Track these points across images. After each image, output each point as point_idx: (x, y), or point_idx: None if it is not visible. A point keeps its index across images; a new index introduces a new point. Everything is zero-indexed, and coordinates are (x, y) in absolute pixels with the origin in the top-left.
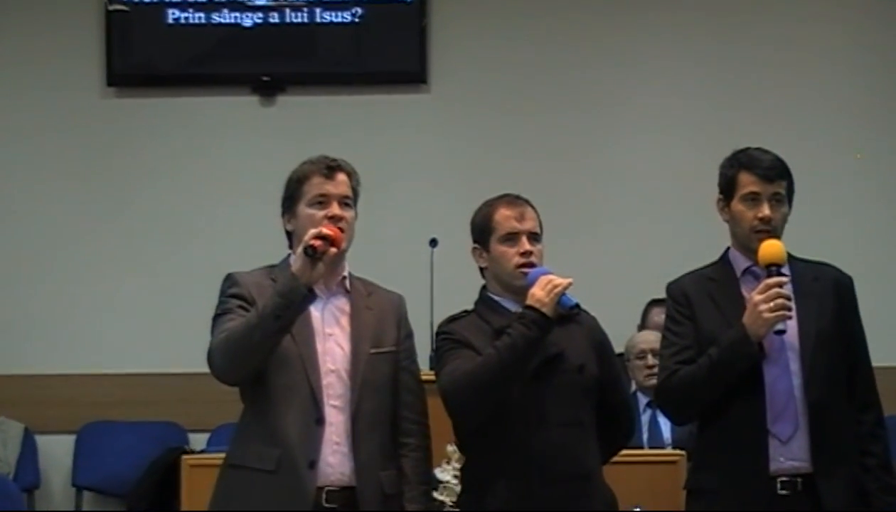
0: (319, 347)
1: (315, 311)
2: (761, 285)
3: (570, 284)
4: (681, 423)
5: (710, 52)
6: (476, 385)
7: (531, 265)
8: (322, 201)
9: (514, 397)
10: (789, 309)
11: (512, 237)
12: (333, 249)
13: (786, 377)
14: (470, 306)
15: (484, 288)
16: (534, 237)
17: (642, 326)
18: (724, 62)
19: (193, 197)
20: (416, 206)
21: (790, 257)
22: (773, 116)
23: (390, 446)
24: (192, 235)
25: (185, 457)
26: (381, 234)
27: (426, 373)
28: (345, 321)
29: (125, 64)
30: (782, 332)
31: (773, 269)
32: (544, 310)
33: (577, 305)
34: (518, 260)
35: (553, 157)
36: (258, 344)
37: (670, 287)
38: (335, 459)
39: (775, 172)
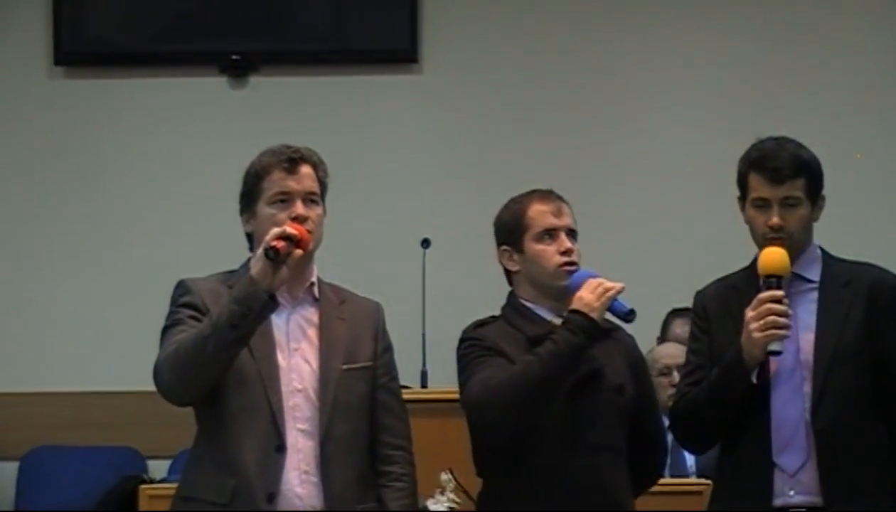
0: (283, 363)
1: (279, 322)
2: (755, 301)
3: (622, 288)
4: (694, 452)
5: (745, 22)
6: (515, 396)
7: (573, 264)
8: (284, 199)
9: (547, 417)
10: (784, 327)
11: (550, 234)
12: (299, 251)
13: (796, 402)
14: (465, 316)
15: (512, 294)
16: (572, 234)
17: (663, 338)
18: (761, 35)
19: (153, 191)
20: (405, 202)
21: (826, 258)
22: (816, 95)
23: (369, 475)
24: (152, 235)
25: (142, 486)
26: (366, 233)
27: (416, 391)
28: (313, 333)
29: (75, 40)
30: (777, 353)
31: (771, 281)
32: (593, 315)
33: (633, 312)
34: (559, 259)
35: (561, 146)
36: (211, 358)
37: (695, 297)
38: (304, 490)
39: (788, 173)
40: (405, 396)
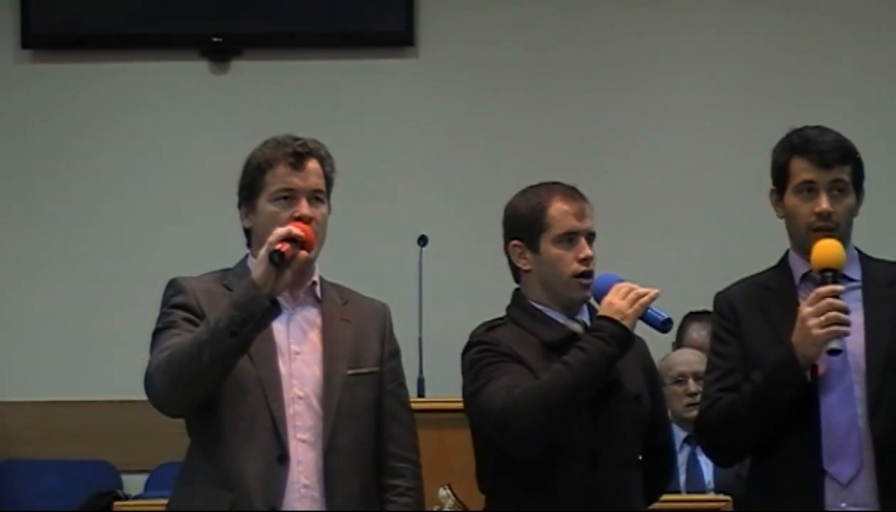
0: (284, 368)
1: (279, 325)
2: (811, 295)
3: (657, 295)
4: (725, 464)
5: (762, 20)
6: (545, 406)
7: (590, 274)
8: (288, 196)
9: (568, 429)
10: (846, 323)
11: (571, 238)
12: (304, 254)
13: (847, 406)
14: (465, 319)
15: (519, 293)
16: (591, 239)
17: (678, 344)
18: (781, 29)
19: (129, 184)
20: (400, 196)
21: (862, 257)
22: (838, 93)
23: (373, 489)
24: (129, 231)
25: (117, 503)
26: (358, 229)
27: (413, 400)
28: (315, 337)
29: (44, 22)
30: (837, 352)
31: (827, 274)
32: (625, 323)
33: (670, 320)
34: (577, 267)
35: (567, 136)
36: (208, 366)
37: (717, 298)
38: (304, 505)
39: (836, 156)
40: None
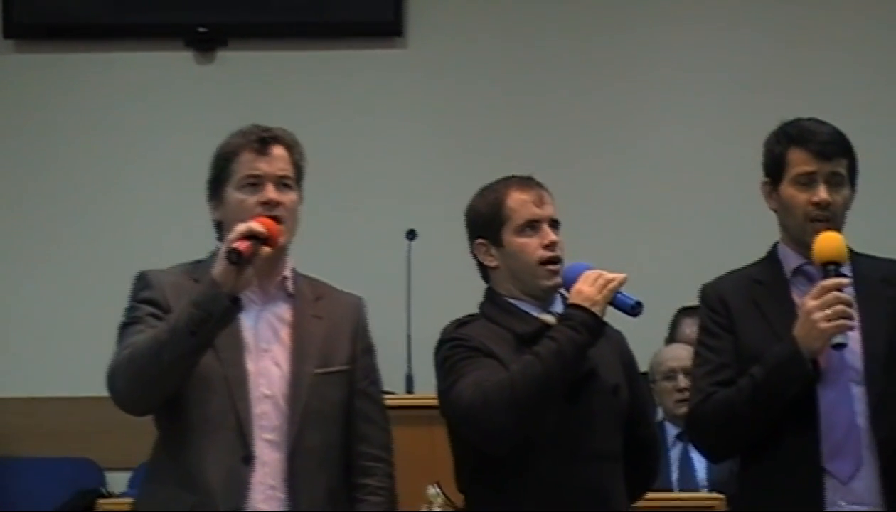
0: (251, 366)
1: (247, 321)
2: (816, 288)
3: (625, 279)
4: (717, 459)
5: (751, 15)
6: (515, 399)
7: (557, 259)
8: (254, 183)
9: (541, 423)
10: (851, 317)
11: (533, 226)
12: (267, 249)
13: (846, 404)
14: (455, 314)
15: (490, 290)
16: (554, 225)
17: (671, 339)
18: (771, 24)
19: (112, 177)
20: (389, 189)
21: (852, 253)
22: (830, 90)
23: (340, 490)
24: (111, 224)
25: (100, 501)
26: (345, 223)
27: (401, 397)
28: (285, 333)
29: (28, 11)
30: (842, 346)
31: (830, 268)
32: (595, 310)
33: (640, 304)
34: (542, 254)
35: (556, 127)
36: (169, 366)
37: (705, 291)
38: (269, 507)
39: (834, 148)
40: (388, 403)
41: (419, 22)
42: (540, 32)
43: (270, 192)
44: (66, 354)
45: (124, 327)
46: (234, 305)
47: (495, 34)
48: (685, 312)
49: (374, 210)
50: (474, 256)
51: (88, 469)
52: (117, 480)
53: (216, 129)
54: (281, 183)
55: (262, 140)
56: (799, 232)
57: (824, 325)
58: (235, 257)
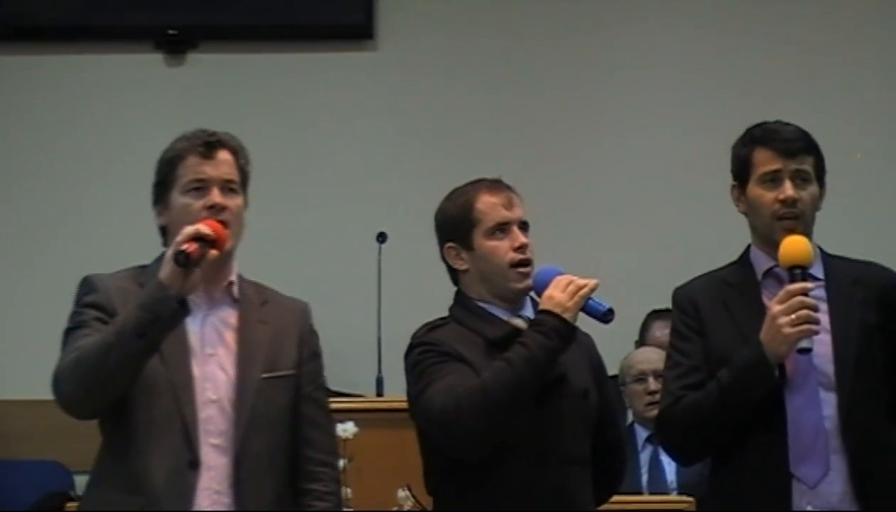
0: (197, 371)
1: (193, 326)
2: (781, 293)
3: (596, 285)
4: (687, 463)
5: (724, 17)
6: (487, 406)
7: (528, 262)
8: (199, 187)
9: (511, 428)
10: (816, 322)
11: (503, 228)
12: (214, 252)
13: (814, 408)
14: (425, 317)
15: (460, 294)
16: (524, 227)
17: (641, 342)
18: (742, 29)
19: (80, 179)
20: (359, 192)
21: (825, 255)
22: (798, 96)
23: (287, 495)
24: (80, 226)
25: (69, 504)
26: (315, 226)
27: (371, 400)
28: (231, 338)
29: None
30: (807, 351)
31: (797, 271)
32: (566, 316)
33: (612, 311)
34: (513, 256)
35: (528, 130)
36: (115, 368)
37: (677, 293)
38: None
39: (798, 145)
40: (358, 405)
41: (390, 25)
42: (511, 35)
43: (216, 196)
44: (33, 356)
45: (70, 332)
46: (182, 308)
47: (466, 37)
48: (655, 314)
49: (345, 213)
50: (444, 259)
51: (57, 472)
52: (86, 483)
53: (186, 130)
54: (226, 187)
55: (208, 144)
56: (767, 231)
57: (788, 330)
58: (184, 259)
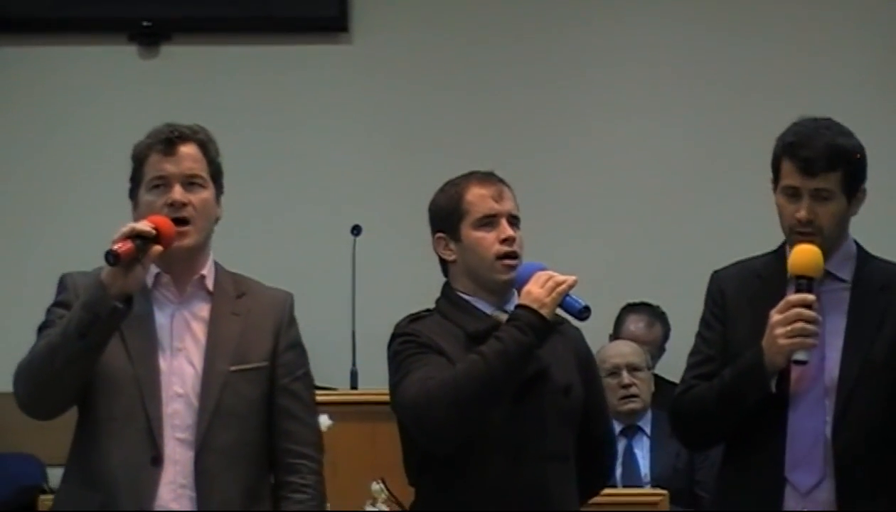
0: (164, 365)
1: (162, 319)
2: (781, 303)
3: (575, 282)
4: (695, 449)
5: (699, 12)
6: (458, 399)
7: (514, 255)
8: (159, 185)
9: (489, 423)
10: (812, 335)
11: (490, 220)
12: (158, 248)
13: (816, 416)
14: (400, 310)
15: (447, 285)
16: (514, 221)
17: (615, 336)
18: (725, 24)
19: (54, 173)
20: (333, 185)
21: (861, 255)
22: (784, 92)
23: (260, 489)
24: (53, 220)
25: (42, 497)
26: (289, 219)
27: (345, 392)
28: (200, 331)
29: None
30: (802, 362)
31: (801, 282)
32: (543, 312)
33: (588, 309)
34: (499, 249)
35: (504, 123)
36: (61, 369)
37: (712, 278)
38: (180, 505)
39: (822, 164)
40: (332, 398)
41: (364, 18)
42: (485, 29)
43: (176, 193)
44: (6, 349)
45: (39, 331)
46: (125, 306)
47: (440, 30)
48: (630, 308)
49: (319, 206)
50: (435, 250)
51: (30, 465)
52: (59, 476)
53: (160, 123)
54: (188, 182)
55: (168, 141)
56: (788, 239)
57: (783, 341)
58: (112, 259)
